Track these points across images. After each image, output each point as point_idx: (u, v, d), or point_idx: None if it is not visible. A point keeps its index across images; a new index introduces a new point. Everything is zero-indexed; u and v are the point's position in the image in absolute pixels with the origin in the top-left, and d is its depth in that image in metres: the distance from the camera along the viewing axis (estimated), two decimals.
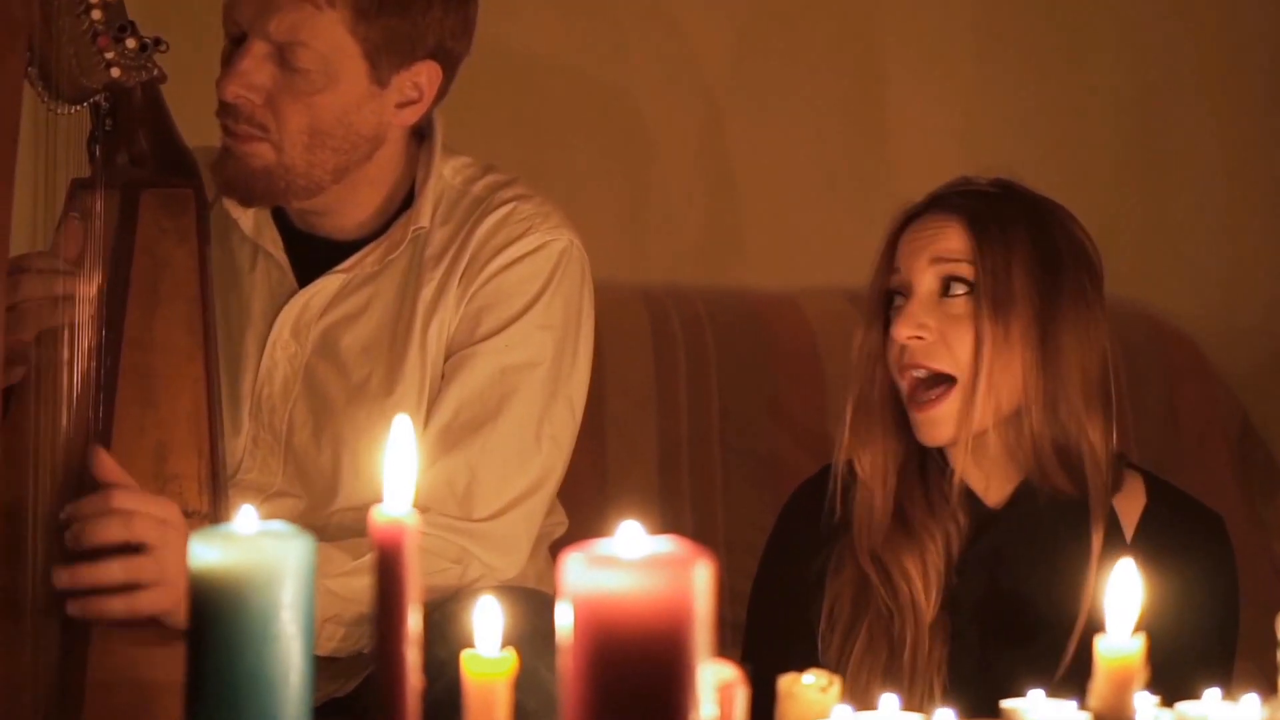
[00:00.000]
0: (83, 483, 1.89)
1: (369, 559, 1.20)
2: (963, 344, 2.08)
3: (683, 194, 3.15)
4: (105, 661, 1.87)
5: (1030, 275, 2.09)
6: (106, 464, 1.89)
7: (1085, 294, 2.11)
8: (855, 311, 3.02)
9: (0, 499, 1.88)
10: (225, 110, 2.08)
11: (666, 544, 1.10)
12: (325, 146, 2.08)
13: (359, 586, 1.98)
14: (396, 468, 1.17)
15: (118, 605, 1.86)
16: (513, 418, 2.12)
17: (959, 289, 2.10)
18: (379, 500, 1.20)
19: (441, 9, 2.10)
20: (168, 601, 1.86)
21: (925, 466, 2.13)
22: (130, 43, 1.95)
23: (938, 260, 2.11)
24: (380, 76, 2.09)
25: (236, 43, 2.08)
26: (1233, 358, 3.08)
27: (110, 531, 1.85)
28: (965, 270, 2.09)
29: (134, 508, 1.86)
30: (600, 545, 1.10)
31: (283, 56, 2.05)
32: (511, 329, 2.14)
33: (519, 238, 2.16)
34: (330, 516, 2.14)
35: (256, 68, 2.05)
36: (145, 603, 1.86)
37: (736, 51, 3.17)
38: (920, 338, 2.08)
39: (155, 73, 1.99)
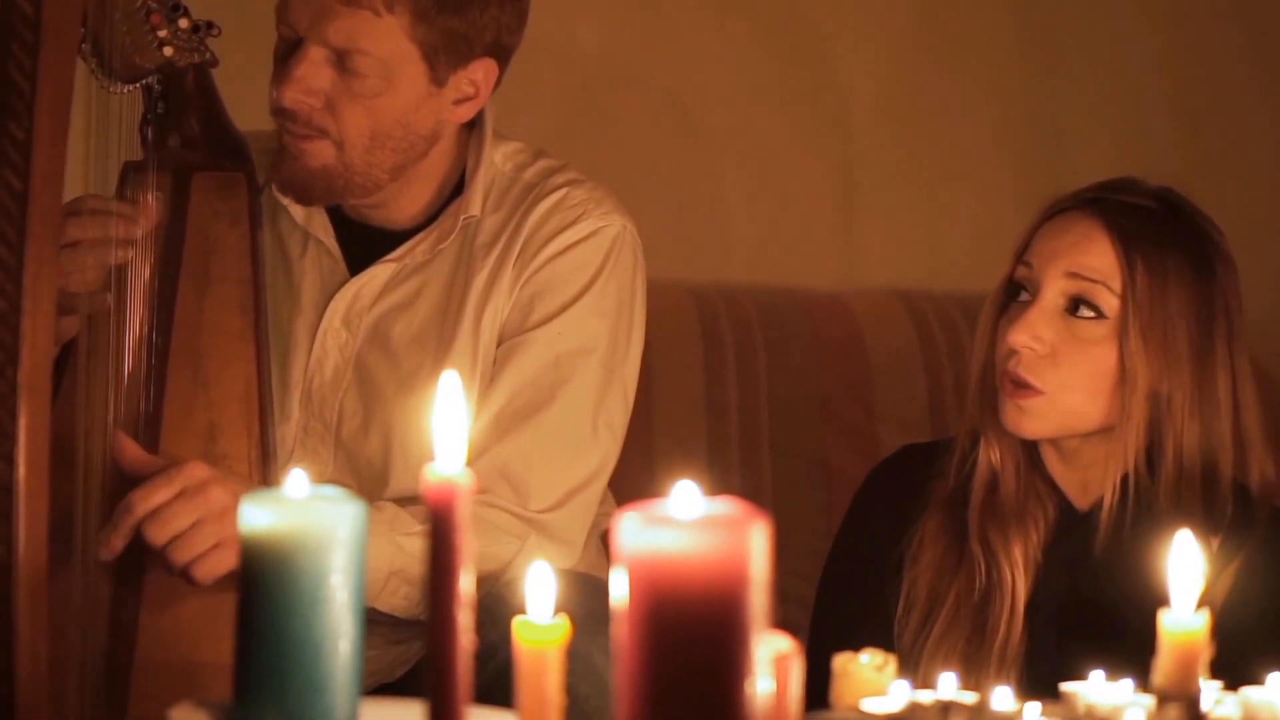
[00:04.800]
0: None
1: None
2: (1075, 369, 1.98)
3: (733, 193, 3.13)
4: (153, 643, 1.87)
5: (1186, 314, 1.97)
6: (129, 451, 1.90)
7: (1237, 333, 2.00)
8: (906, 312, 3.01)
9: (52, 483, 1.88)
10: (283, 113, 2.06)
11: (723, 505, 1.08)
12: (384, 147, 2.07)
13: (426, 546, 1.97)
14: (448, 425, 1.16)
15: (199, 574, 1.88)
16: (567, 406, 2.11)
17: (1088, 313, 1.99)
18: None
19: (498, 6, 2.08)
20: (233, 557, 1.86)
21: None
22: (183, 23, 1.96)
23: (1073, 275, 2.00)
24: (438, 77, 2.07)
25: (290, 43, 2.06)
26: None
27: (155, 535, 1.87)
28: (1102, 295, 1.98)
29: (154, 504, 1.86)
30: (656, 505, 1.08)
31: (341, 61, 2.03)
32: (565, 316, 2.13)
33: (572, 224, 2.15)
34: None
35: (314, 73, 2.03)
36: (214, 565, 1.88)
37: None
38: (1032, 349, 1.98)
39: (207, 56, 2.00)
